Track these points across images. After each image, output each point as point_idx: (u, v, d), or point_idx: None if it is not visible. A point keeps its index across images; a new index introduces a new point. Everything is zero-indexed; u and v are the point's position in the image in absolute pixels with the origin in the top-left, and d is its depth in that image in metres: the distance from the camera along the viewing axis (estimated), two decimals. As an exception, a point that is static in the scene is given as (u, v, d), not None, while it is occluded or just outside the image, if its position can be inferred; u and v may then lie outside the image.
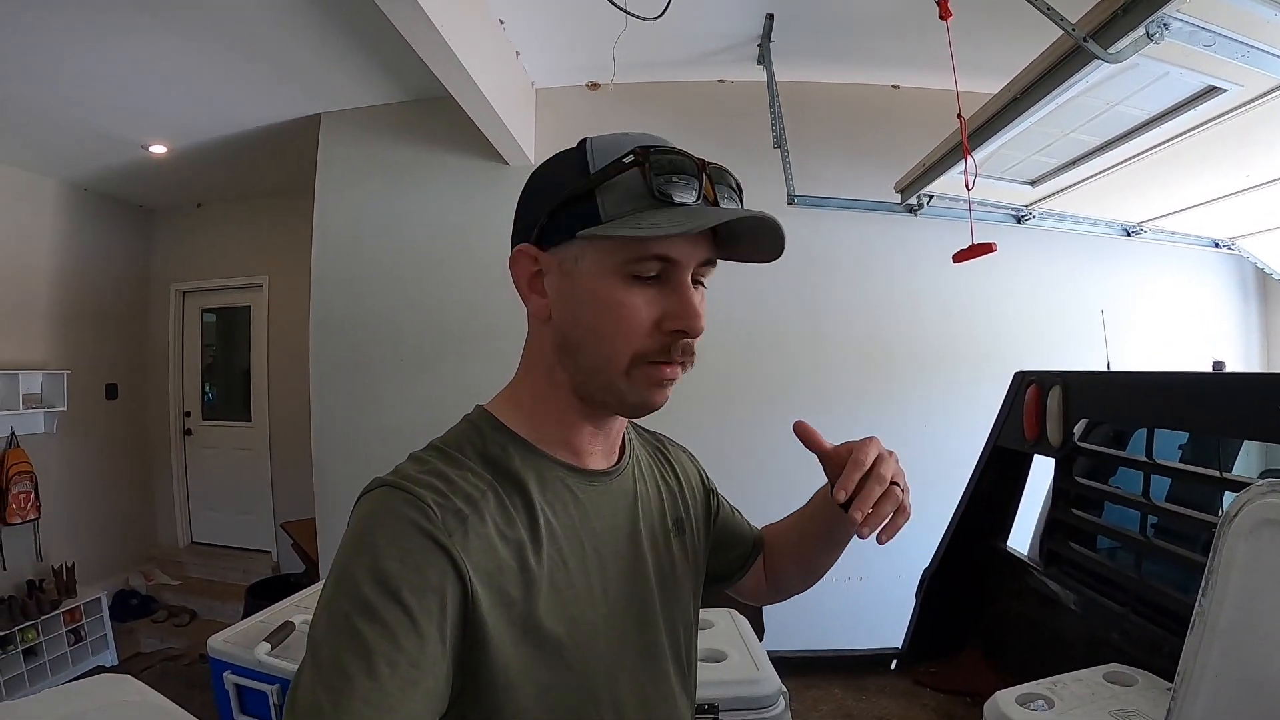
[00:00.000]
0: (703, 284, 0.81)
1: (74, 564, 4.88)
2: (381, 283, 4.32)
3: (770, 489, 3.97)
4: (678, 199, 0.74)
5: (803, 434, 0.87)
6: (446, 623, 0.67)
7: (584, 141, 0.79)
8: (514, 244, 0.82)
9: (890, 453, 0.83)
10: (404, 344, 4.29)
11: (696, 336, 0.77)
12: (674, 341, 0.77)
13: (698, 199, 0.75)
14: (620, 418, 0.88)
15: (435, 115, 4.24)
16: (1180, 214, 3.59)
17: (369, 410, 4.26)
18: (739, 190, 0.80)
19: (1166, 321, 4.44)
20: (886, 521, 0.79)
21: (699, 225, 0.72)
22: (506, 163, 4.20)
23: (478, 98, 3.34)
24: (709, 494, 1.08)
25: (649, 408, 0.81)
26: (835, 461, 0.85)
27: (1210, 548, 1.57)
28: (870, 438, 0.85)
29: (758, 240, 0.79)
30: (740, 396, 4.14)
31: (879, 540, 0.79)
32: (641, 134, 0.80)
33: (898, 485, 0.80)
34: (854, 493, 0.79)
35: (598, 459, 0.87)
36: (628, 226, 0.72)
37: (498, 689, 0.71)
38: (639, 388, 0.78)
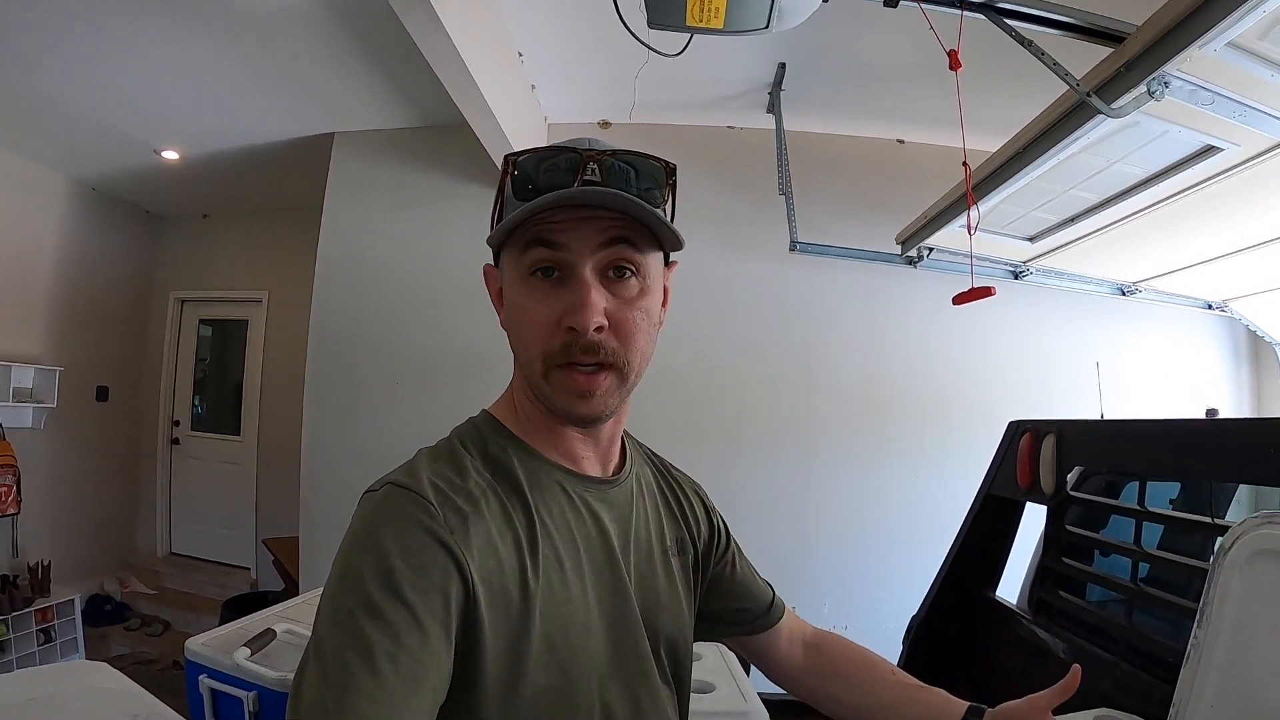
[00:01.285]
0: (631, 271, 0.78)
1: (50, 563, 4.80)
2: (382, 305, 4.35)
3: (756, 538, 3.96)
4: (537, 192, 0.75)
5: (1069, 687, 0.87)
6: (450, 619, 0.68)
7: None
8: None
9: None
10: (401, 369, 4.30)
11: (584, 333, 0.74)
12: (573, 340, 0.75)
13: (574, 185, 0.75)
14: (608, 427, 0.87)
15: (447, 142, 4.31)
16: (1174, 274, 3.64)
17: (361, 432, 4.26)
18: (613, 171, 0.77)
19: (1160, 379, 4.49)
20: None
21: (550, 204, 0.73)
22: (511, 191, 4.23)
23: (493, 127, 3.40)
24: (715, 528, 1.06)
25: (574, 418, 0.80)
26: None
27: (1202, 595, 1.58)
28: None
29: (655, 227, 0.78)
30: (731, 441, 4.17)
31: None
32: (578, 139, 0.80)
33: None
34: None
35: (592, 465, 0.88)
36: (505, 219, 0.77)
37: (490, 686, 0.71)
38: (560, 394, 0.78)
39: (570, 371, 0.76)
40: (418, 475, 0.74)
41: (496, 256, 0.85)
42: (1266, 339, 4.43)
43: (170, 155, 4.89)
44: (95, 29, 3.34)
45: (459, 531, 0.70)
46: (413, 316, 4.32)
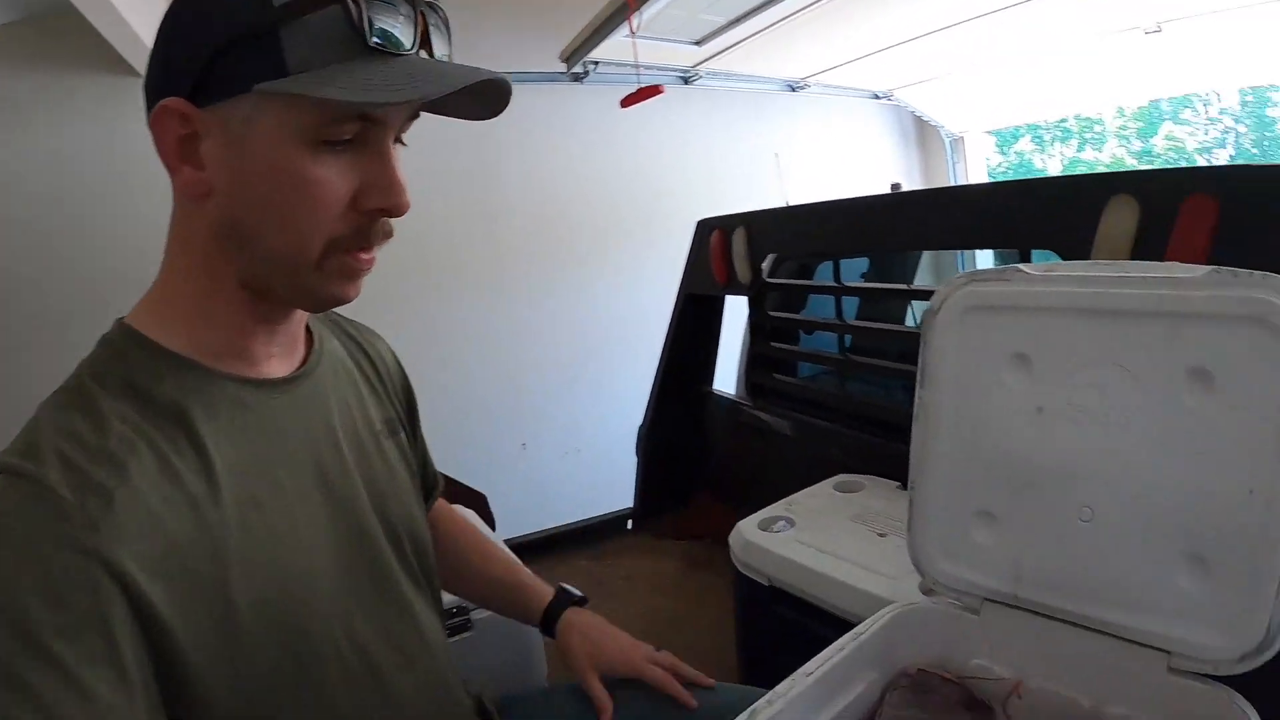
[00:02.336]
0: (402, 141, 0.66)
1: None
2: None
3: (456, 389, 3.61)
4: (392, 48, 0.57)
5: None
6: (120, 653, 0.51)
7: None
8: (153, 96, 0.59)
9: None
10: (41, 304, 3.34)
11: (401, 215, 0.64)
12: (373, 223, 0.63)
13: (414, 45, 0.60)
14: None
15: (52, 36, 3.37)
16: (841, 69, 3.86)
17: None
18: (448, 29, 0.66)
19: (837, 167, 4.78)
20: None
21: (438, 89, 0.57)
22: (139, 75, 3.44)
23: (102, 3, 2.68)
24: (407, 387, 0.94)
25: (339, 302, 0.67)
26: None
27: (904, 355, 1.73)
28: None
29: (477, 96, 0.65)
30: (415, 287, 3.76)
31: None
32: None
33: None
34: None
35: (277, 363, 0.71)
36: (336, 85, 0.54)
37: (211, 686, 0.56)
38: (330, 281, 0.64)
39: (355, 254, 0.63)
40: (38, 450, 0.53)
41: (195, 90, 0.57)
42: (931, 122, 4.98)
43: None
44: None
45: (104, 521, 0.52)
46: (38, 241, 3.39)
